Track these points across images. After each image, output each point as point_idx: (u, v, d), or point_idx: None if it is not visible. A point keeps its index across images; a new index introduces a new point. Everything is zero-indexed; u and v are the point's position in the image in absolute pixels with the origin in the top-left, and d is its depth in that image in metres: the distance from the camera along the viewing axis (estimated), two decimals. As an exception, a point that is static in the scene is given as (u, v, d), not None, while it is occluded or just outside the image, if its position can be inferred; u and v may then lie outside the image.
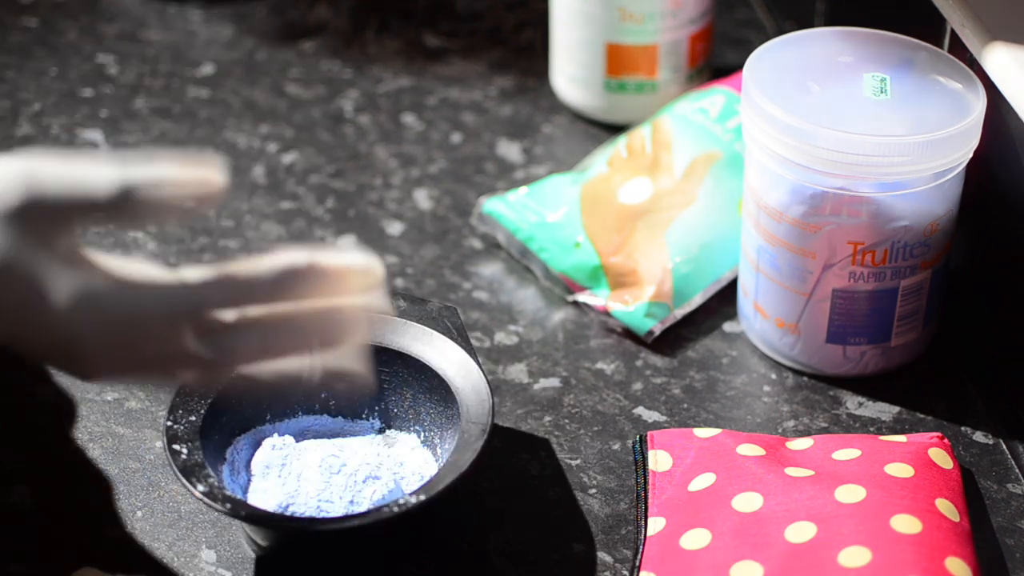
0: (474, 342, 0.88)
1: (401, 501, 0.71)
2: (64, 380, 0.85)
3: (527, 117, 1.09)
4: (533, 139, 1.07)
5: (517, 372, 0.87)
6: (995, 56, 0.76)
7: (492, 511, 0.78)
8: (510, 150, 1.06)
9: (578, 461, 0.81)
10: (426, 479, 0.75)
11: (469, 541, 0.76)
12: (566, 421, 0.83)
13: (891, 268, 0.81)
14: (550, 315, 0.91)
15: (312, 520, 0.72)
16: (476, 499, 0.78)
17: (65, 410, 0.83)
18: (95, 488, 0.79)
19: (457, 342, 0.79)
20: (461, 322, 0.80)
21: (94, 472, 0.79)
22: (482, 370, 0.77)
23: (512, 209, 0.95)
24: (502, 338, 0.89)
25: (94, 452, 0.81)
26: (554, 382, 0.86)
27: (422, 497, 0.71)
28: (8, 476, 0.79)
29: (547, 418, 0.83)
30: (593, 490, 0.79)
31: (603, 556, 0.75)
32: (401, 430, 0.80)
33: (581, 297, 0.91)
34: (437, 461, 0.78)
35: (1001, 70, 0.76)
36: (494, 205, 0.96)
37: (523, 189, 0.97)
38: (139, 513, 0.77)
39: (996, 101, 0.79)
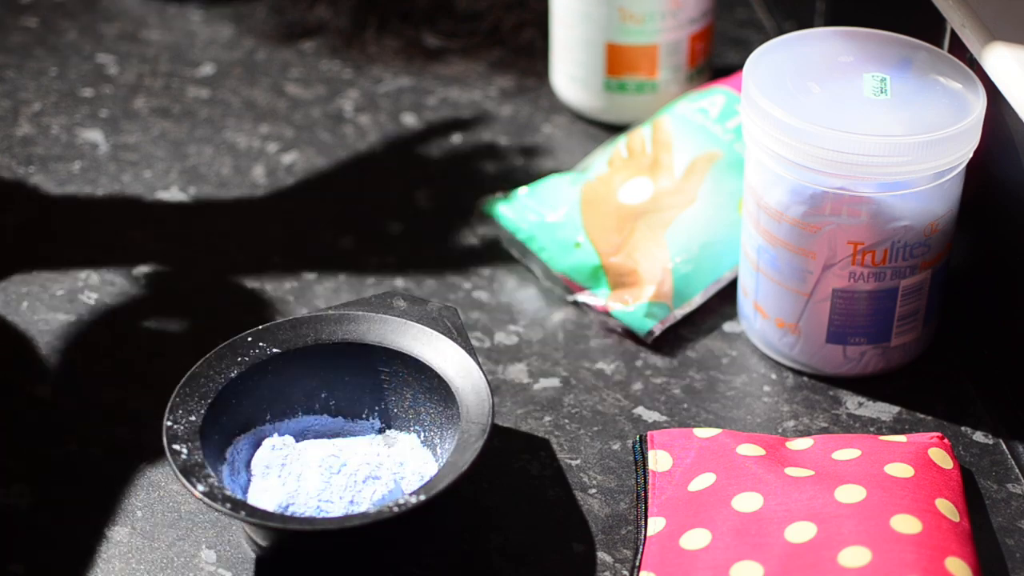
0: (474, 342, 0.88)
1: (401, 501, 0.71)
2: (64, 380, 0.85)
3: (527, 117, 1.09)
4: (533, 139, 1.07)
5: (517, 372, 0.87)
6: (995, 56, 0.76)
7: (492, 511, 0.78)
8: (510, 150, 1.06)
9: (578, 461, 0.81)
10: (426, 479, 0.75)
11: (469, 541, 0.76)
12: (566, 421, 0.83)
13: (891, 268, 0.81)
14: (550, 315, 0.91)
15: (312, 520, 0.72)
16: (476, 499, 0.78)
17: (65, 410, 0.83)
18: (95, 488, 0.79)
19: (457, 342, 0.78)
20: (461, 322, 0.80)
21: (94, 472, 0.79)
22: (482, 370, 0.77)
23: (512, 209, 0.95)
24: (502, 338, 0.89)
25: (94, 452, 0.81)
26: (554, 382, 0.86)
27: (422, 497, 0.71)
28: (8, 476, 0.79)
29: (547, 418, 0.83)
30: (593, 490, 0.79)
31: (603, 556, 0.75)
32: (401, 430, 0.80)
33: (581, 297, 0.91)
34: (437, 461, 0.78)
35: (1001, 70, 0.76)
36: (494, 205, 0.96)
37: (523, 189, 0.97)
38: (139, 513, 0.77)
39: (996, 101, 0.79)
